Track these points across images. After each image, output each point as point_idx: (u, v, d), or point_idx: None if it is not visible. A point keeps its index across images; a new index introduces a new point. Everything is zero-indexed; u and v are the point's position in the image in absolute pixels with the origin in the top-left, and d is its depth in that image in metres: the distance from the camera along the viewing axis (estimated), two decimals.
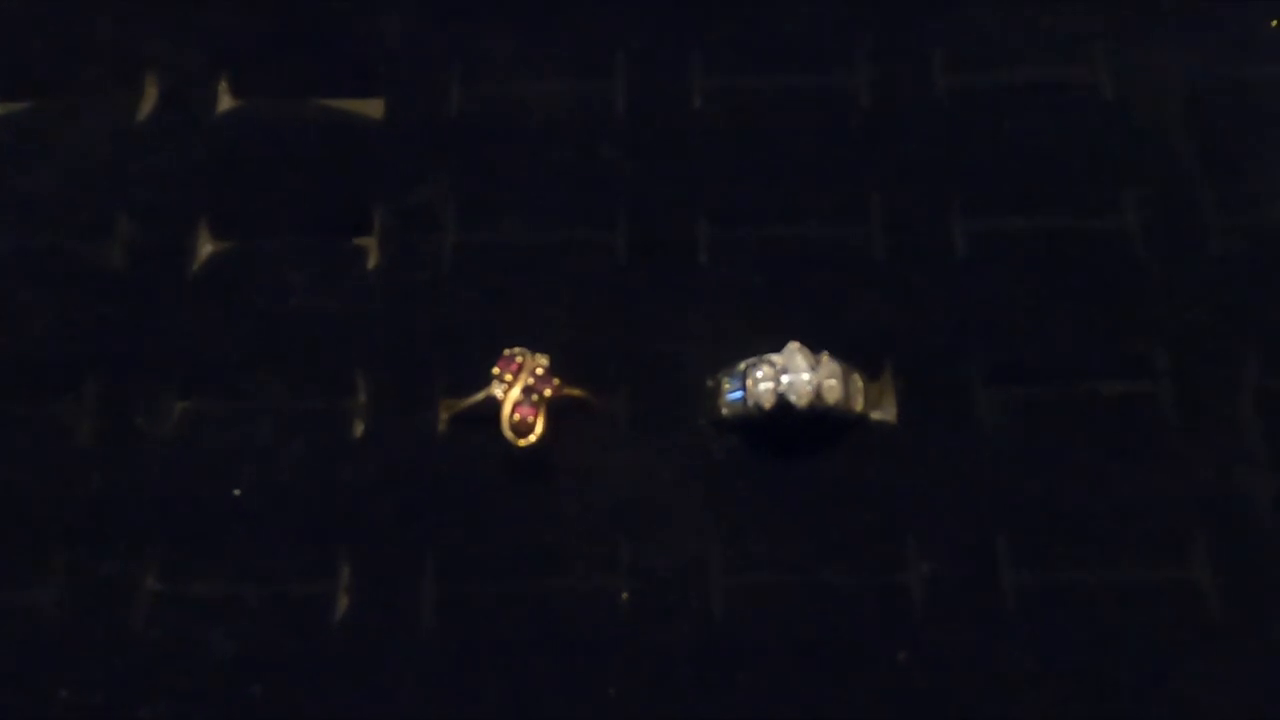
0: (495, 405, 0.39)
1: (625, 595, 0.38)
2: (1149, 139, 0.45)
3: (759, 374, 0.39)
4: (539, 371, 0.39)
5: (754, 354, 0.40)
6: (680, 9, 0.48)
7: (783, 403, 0.38)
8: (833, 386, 0.39)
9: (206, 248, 0.44)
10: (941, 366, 0.41)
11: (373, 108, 0.47)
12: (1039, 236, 0.43)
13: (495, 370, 0.39)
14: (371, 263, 0.44)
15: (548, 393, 0.39)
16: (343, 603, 0.39)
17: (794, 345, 0.39)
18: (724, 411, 0.40)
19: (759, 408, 0.39)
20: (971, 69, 0.46)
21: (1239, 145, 0.45)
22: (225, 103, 0.47)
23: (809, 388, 0.38)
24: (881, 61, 0.47)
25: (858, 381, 0.40)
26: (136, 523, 0.40)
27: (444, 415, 0.41)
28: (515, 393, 0.39)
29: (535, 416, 0.39)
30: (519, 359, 0.39)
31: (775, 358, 0.39)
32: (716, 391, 0.40)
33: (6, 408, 0.42)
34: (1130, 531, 0.39)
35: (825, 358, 0.39)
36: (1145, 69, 0.46)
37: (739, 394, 0.39)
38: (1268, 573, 0.38)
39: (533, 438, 0.39)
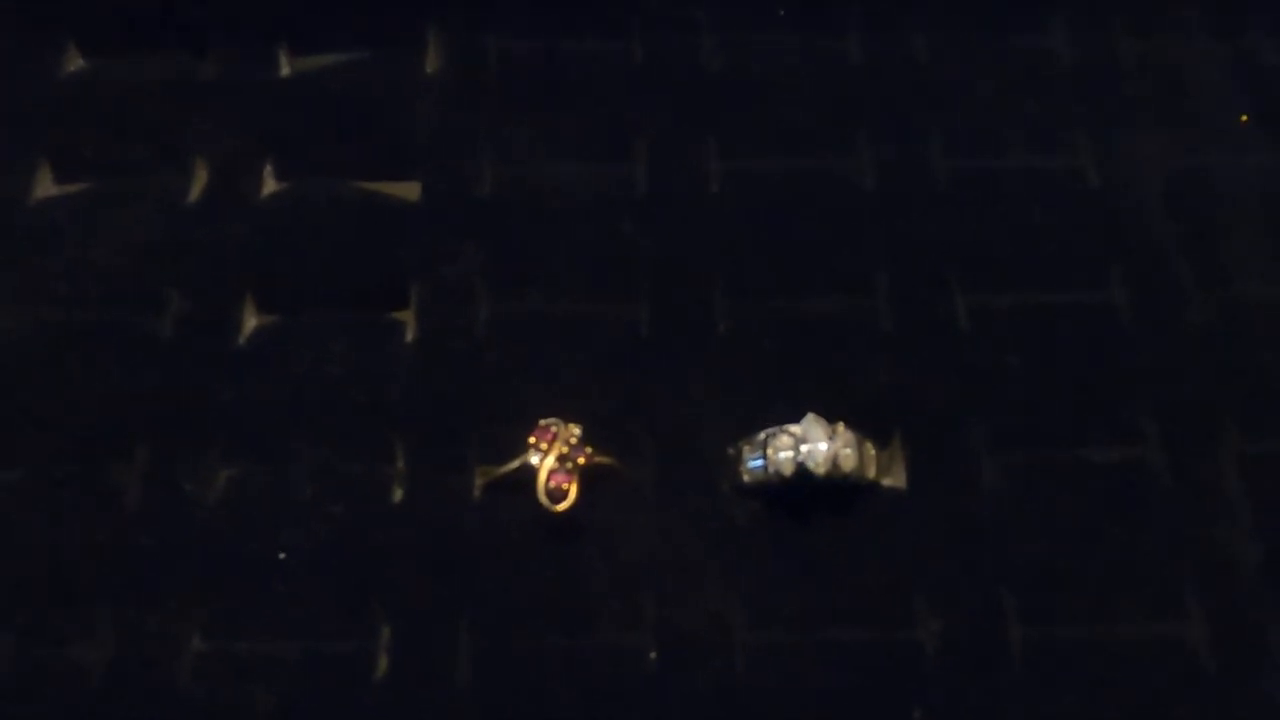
0: (529, 472, 0.39)
1: (653, 655, 0.38)
2: (1131, 221, 0.46)
3: (779, 443, 0.39)
4: (572, 441, 0.39)
5: (770, 421, 0.40)
6: (696, 98, 0.49)
7: (802, 471, 0.39)
8: (848, 456, 0.39)
9: (251, 321, 0.44)
10: (946, 434, 0.41)
11: (409, 190, 0.47)
12: (1034, 311, 0.44)
13: (531, 439, 0.39)
14: (409, 336, 0.44)
15: (581, 460, 0.39)
16: (382, 661, 0.38)
17: (811, 416, 0.39)
18: (745, 478, 0.40)
19: (779, 475, 0.39)
20: (968, 155, 0.47)
21: (1212, 225, 0.46)
22: (269, 185, 0.47)
23: (827, 457, 0.38)
24: (884, 148, 0.47)
25: (870, 450, 0.40)
26: (183, 583, 0.39)
27: (479, 481, 0.41)
28: (550, 461, 0.39)
29: (570, 483, 0.39)
30: (554, 429, 0.39)
31: (794, 428, 0.39)
32: (738, 460, 0.40)
33: (60, 471, 0.41)
34: (1126, 588, 0.39)
35: (841, 428, 0.39)
36: (1126, 157, 0.47)
37: (760, 462, 0.39)
38: (1255, 627, 0.38)
39: (567, 504, 0.39)
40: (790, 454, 0.39)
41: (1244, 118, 0.48)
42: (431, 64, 0.50)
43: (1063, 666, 0.38)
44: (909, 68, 0.49)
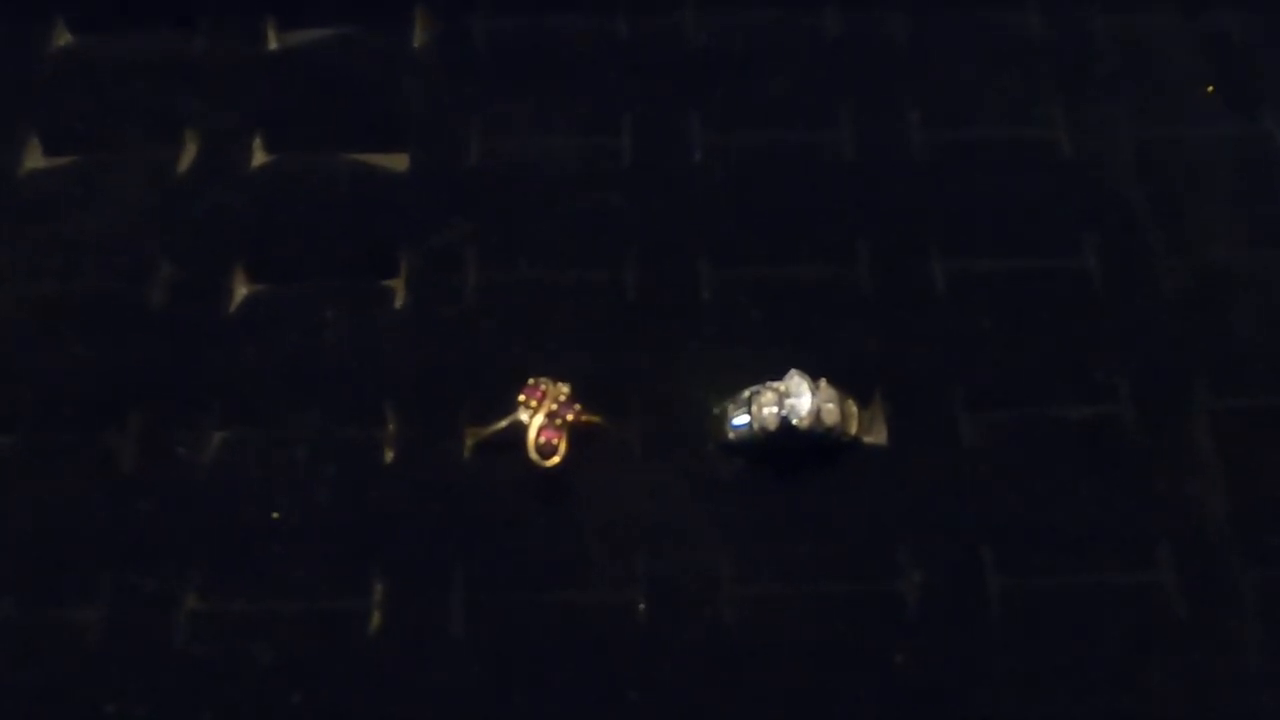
0: (519, 430, 0.40)
1: (642, 606, 0.39)
2: (1103, 189, 0.47)
3: (763, 399, 0.40)
4: (561, 398, 0.40)
5: (754, 382, 0.41)
6: (680, 72, 0.50)
7: (786, 425, 0.40)
8: (831, 410, 0.40)
9: (242, 289, 0.45)
10: (926, 394, 0.43)
11: (397, 161, 0.48)
12: (1010, 276, 0.45)
13: (521, 397, 0.40)
14: (398, 302, 0.45)
15: (570, 417, 0.40)
16: (376, 617, 0.39)
17: (794, 371, 0.40)
18: (730, 436, 0.41)
19: (764, 430, 0.40)
20: (945, 126, 0.48)
21: (1181, 193, 0.47)
22: (259, 157, 0.48)
23: (810, 410, 0.40)
24: (864, 119, 0.49)
25: (851, 407, 0.41)
26: (178, 545, 0.40)
27: (469, 442, 0.42)
28: (540, 418, 0.40)
29: (559, 439, 0.40)
30: (543, 387, 0.40)
31: (778, 384, 0.40)
32: (723, 418, 0.41)
33: (56, 438, 0.42)
34: (1100, 539, 0.40)
35: (823, 383, 0.40)
36: (1098, 128, 0.49)
37: (744, 419, 0.41)
38: (1223, 575, 0.40)
39: (556, 459, 0.40)
40: (774, 409, 0.40)
41: (1210, 89, 0.50)
42: (418, 39, 0.51)
43: (1039, 615, 0.39)
44: (886, 43, 0.51)
